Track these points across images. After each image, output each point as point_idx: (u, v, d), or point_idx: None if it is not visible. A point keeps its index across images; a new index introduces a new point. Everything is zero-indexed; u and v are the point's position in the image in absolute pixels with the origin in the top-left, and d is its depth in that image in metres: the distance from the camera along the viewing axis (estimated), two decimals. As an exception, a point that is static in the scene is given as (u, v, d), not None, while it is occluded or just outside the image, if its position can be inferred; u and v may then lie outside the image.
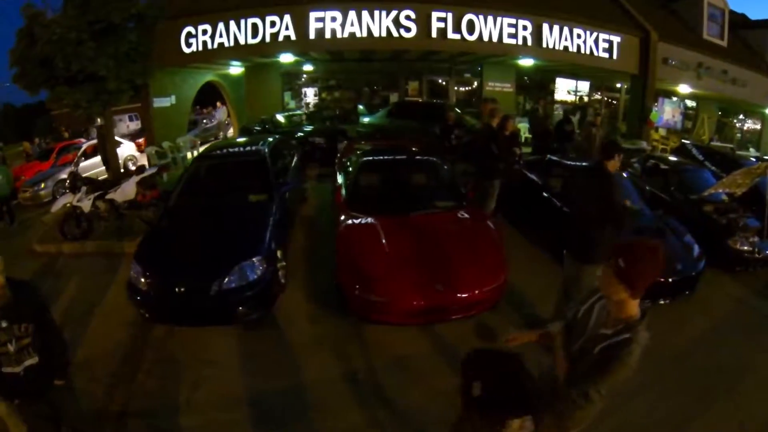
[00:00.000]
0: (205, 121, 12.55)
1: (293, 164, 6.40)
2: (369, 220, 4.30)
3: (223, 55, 9.41)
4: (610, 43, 10.62)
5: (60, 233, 6.09)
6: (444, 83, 12.82)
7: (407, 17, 9.10)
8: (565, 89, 16.20)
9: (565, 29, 10.04)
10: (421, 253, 3.81)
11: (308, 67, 12.11)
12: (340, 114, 11.58)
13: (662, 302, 4.36)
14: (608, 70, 11.84)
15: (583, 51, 10.33)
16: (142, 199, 6.72)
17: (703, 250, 5.18)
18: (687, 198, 6.13)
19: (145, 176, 6.94)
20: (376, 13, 9.02)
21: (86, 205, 6.22)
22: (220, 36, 9.16)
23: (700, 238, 5.31)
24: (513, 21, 9.61)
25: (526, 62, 11.13)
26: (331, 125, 10.29)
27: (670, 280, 4.35)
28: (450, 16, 9.23)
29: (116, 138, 10.99)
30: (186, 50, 9.25)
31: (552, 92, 15.65)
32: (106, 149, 8.51)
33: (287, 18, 9.00)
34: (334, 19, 9.02)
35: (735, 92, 13.22)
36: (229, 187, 5.16)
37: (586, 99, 16.16)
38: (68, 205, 6.17)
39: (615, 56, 10.73)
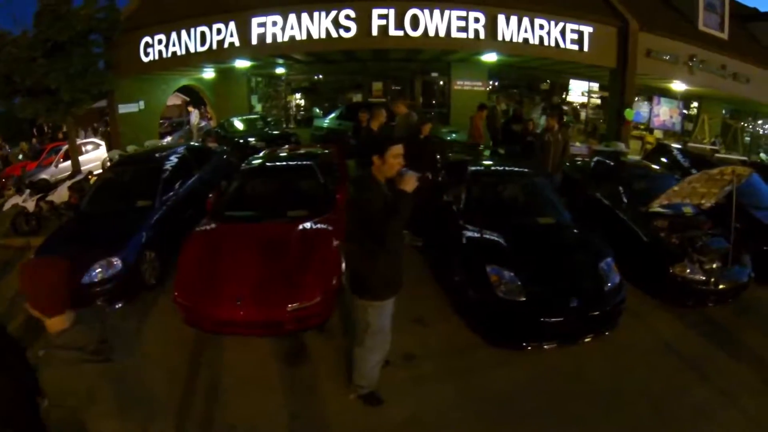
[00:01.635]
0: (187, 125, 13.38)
1: (203, 172, 6.51)
2: (217, 226, 4.39)
3: (176, 63, 9.89)
4: (580, 33, 9.75)
5: (12, 230, 6.83)
6: (409, 83, 12.52)
7: (347, 17, 8.98)
8: (579, 90, 15.19)
9: (525, 20, 9.36)
10: (247, 263, 3.78)
11: (280, 70, 12.43)
12: (304, 117, 11.72)
13: (549, 346, 3.57)
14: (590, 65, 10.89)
15: (546, 43, 9.56)
16: (74, 201, 7.34)
17: (644, 278, 4.42)
18: (636, 210, 5.06)
19: (75, 181, 7.62)
20: (316, 14, 8.99)
21: (30, 205, 6.96)
22: (173, 45, 9.64)
23: (643, 262, 4.53)
24: (463, 14, 9.13)
25: (489, 58, 10.53)
26: (280, 130, 10.40)
27: (552, 320, 3.50)
28: (392, 12, 8.96)
29: (95, 141, 12.14)
30: (145, 59, 9.84)
31: (560, 93, 14.70)
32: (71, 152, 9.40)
33: (232, 25, 9.28)
34: (275, 24, 9.15)
35: (736, 89, 11.75)
36: (125, 193, 5.58)
37: (598, 101, 14.95)
38: (17, 205, 6.96)
39: (586, 48, 9.82)
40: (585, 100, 14.54)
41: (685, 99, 14.27)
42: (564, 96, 14.75)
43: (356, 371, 2.91)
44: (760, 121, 16.08)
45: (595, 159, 7.05)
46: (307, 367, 3.37)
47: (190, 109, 11.25)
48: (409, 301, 4.15)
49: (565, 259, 3.91)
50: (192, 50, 9.59)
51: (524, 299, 3.50)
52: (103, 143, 11.42)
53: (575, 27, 9.70)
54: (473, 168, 5.41)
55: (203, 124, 12.04)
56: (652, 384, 3.28)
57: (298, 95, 13.19)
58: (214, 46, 9.46)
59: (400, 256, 2.79)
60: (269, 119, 11.44)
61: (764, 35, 13.14)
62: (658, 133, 13.01)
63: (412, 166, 6.05)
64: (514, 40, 9.37)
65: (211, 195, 5.16)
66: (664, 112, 13.47)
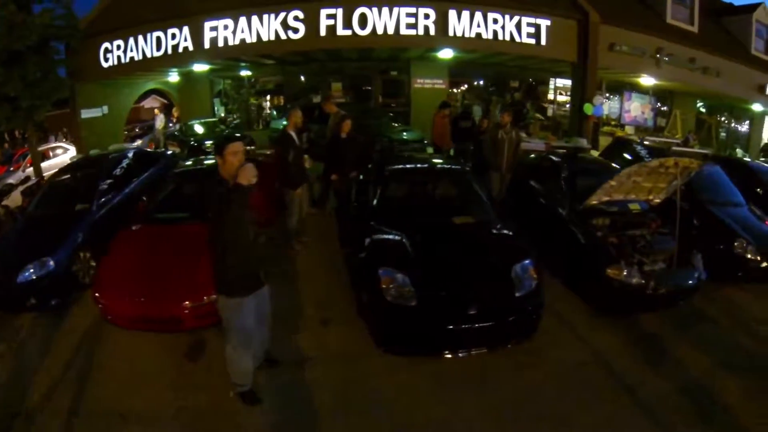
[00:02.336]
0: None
1: (147, 176, 6.63)
2: (140, 228, 4.54)
3: (135, 68, 10.07)
4: (537, 27, 9.56)
5: None
6: (369, 82, 12.47)
7: (296, 18, 9.01)
8: (564, 90, 14.92)
9: (477, 14, 9.23)
10: (157, 262, 3.94)
11: (246, 72, 12.56)
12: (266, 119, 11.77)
13: (466, 354, 3.37)
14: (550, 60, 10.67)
15: (501, 38, 9.40)
16: (25, 205, 7.54)
17: (580, 282, 4.18)
18: (574, 209, 4.79)
19: (27, 186, 7.84)
20: (265, 17, 9.06)
21: None
22: (131, 50, 9.81)
23: (578, 264, 4.27)
24: (412, 10, 9.05)
25: (445, 55, 10.40)
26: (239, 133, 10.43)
27: (447, 328, 3.26)
28: (340, 12, 8.96)
29: (63, 145, 12.47)
30: (105, 65, 10.03)
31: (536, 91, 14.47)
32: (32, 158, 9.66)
33: (186, 29, 9.40)
34: (226, 27, 9.23)
35: (707, 83, 11.51)
36: (67, 197, 5.69)
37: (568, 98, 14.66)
38: None
39: (544, 42, 9.62)
40: (561, 97, 14.26)
41: (658, 94, 13.93)
42: (537, 93, 14.50)
43: (229, 369, 2.94)
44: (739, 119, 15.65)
45: (543, 155, 6.87)
46: (203, 362, 3.48)
47: (156, 112, 11.45)
48: (323, 303, 4.25)
49: (472, 262, 3.62)
50: (149, 55, 9.75)
51: (415, 304, 3.27)
52: (71, 147, 11.71)
53: (531, 20, 9.52)
54: (392, 166, 5.25)
55: (171, 127, 12.26)
56: (557, 404, 3.01)
57: (267, 97, 13.26)
58: (170, 51, 9.59)
59: (254, 252, 2.77)
60: (235, 121, 11.53)
61: (737, 29, 12.80)
62: (629, 129, 12.67)
63: (335, 166, 6.01)
64: (467, 35, 9.25)
65: (144, 198, 5.30)
66: (636, 108, 13.15)
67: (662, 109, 14.52)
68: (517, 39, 9.48)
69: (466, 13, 9.19)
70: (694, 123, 14.74)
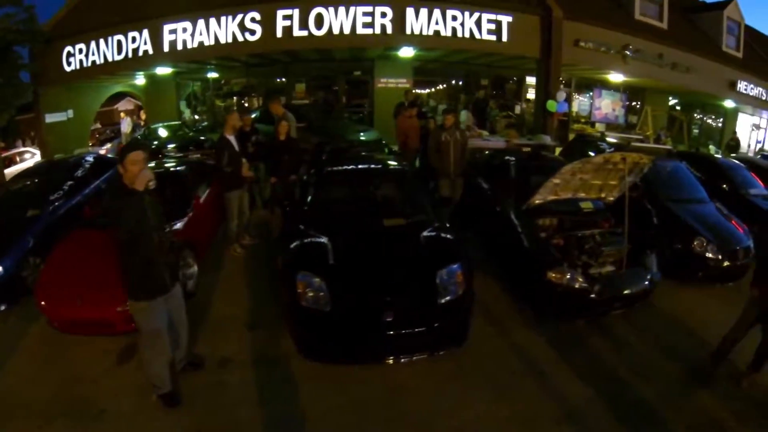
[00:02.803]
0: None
1: (103, 180, 6.54)
2: (83, 232, 4.51)
3: (97, 72, 10.09)
4: (497, 23, 9.48)
5: None
6: (334, 83, 12.42)
7: (253, 19, 9.01)
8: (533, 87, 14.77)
9: (436, 12, 9.17)
10: (96, 266, 3.88)
11: (214, 74, 12.57)
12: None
13: (400, 361, 3.26)
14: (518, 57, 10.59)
15: (461, 35, 9.33)
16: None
17: (521, 286, 4.07)
18: (518, 208, 4.55)
19: None
20: (223, 19, 9.07)
21: None
22: (93, 54, 9.85)
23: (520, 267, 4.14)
24: (369, 9, 9.01)
25: (406, 53, 10.34)
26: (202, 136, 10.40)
27: (361, 335, 3.19)
28: (296, 12, 8.94)
29: (31, 150, 12.52)
30: (67, 69, 10.09)
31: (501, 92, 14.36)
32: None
33: (145, 33, 9.42)
34: (185, 30, 9.25)
35: (677, 79, 11.41)
36: (20, 202, 5.67)
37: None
38: None
39: (505, 38, 9.54)
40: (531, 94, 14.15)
41: (630, 91, 13.81)
42: (504, 91, 14.38)
43: (146, 372, 2.96)
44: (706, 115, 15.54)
45: (493, 153, 6.75)
46: (132, 365, 3.47)
47: (122, 115, 11.44)
48: (253, 307, 4.22)
49: (395, 266, 3.44)
50: (110, 59, 9.78)
51: (329, 310, 3.17)
52: (38, 152, 11.75)
53: (492, 17, 9.45)
54: (327, 167, 5.16)
55: (138, 130, 12.28)
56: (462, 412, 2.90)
57: (234, 99, 13.22)
58: (131, 54, 9.62)
59: (158, 256, 2.78)
60: (203, 124, 11.51)
61: (709, 26, 12.70)
62: (600, 127, 12.50)
63: (274, 169, 5.87)
64: (425, 33, 9.18)
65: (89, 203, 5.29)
66: (606, 105, 12.99)
67: (635, 105, 14.37)
68: (477, 36, 9.40)
69: (424, 11, 9.13)
70: (667, 120, 14.63)
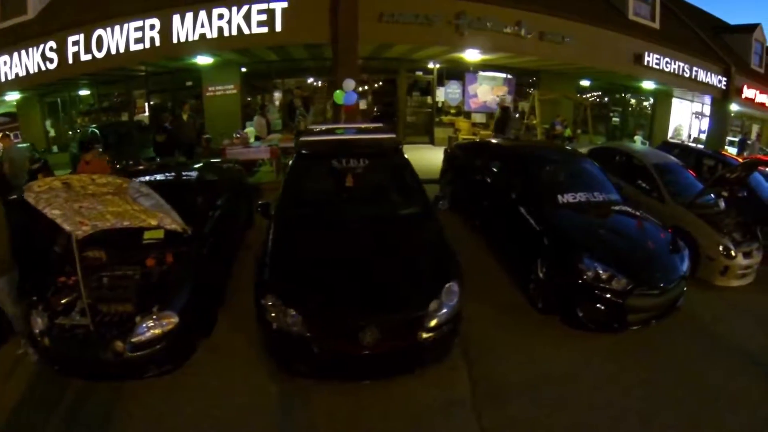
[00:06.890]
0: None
1: None
2: None
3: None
4: (269, 12, 8.84)
5: None
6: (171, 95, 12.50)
7: (51, 48, 9.76)
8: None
9: (201, 14, 8.92)
10: None
11: (85, 92, 13.52)
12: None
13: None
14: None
15: (227, 33, 8.96)
16: None
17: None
18: None
19: None
20: (31, 51, 9.96)
21: None
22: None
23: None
24: (139, 24, 9.17)
25: (204, 61, 10.16)
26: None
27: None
28: (82, 37, 9.46)
29: None
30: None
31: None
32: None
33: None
34: (6, 63, 10.26)
35: (552, 52, 9.69)
36: None
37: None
38: None
39: (279, 27, 8.89)
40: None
41: (519, 74, 11.45)
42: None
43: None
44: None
45: None
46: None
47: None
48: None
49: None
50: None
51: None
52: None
53: (263, 7, 8.88)
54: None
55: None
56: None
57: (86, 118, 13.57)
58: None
59: None
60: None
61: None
62: (477, 117, 10.68)
63: None
64: (190, 38, 9.02)
65: None
66: (484, 92, 10.96)
67: (528, 91, 11.85)
68: (246, 31, 8.91)
69: (189, 15, 8.94)
70: (572, 106, 11.95)
